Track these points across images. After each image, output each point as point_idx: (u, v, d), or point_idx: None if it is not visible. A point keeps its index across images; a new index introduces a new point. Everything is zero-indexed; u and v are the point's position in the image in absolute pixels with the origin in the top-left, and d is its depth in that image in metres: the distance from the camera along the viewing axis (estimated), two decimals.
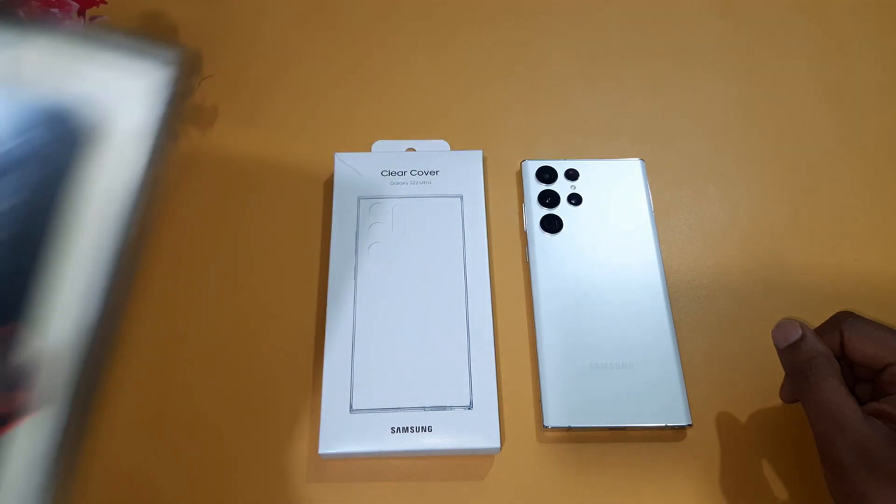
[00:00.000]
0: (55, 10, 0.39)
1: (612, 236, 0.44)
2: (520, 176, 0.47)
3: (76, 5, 0.40)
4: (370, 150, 0.48)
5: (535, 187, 0.46)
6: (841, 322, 0.35)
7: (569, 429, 0.38)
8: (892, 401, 0.32)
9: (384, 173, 0.45)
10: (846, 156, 0.49)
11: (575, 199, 0.45)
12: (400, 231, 0.43)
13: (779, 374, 0.38)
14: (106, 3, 0.43)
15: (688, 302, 0.43)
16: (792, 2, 0.57)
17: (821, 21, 0.56)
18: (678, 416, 0.38)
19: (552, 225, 0.44)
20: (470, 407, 0.38)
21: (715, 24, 0.55)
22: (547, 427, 0.38)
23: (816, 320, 0.37)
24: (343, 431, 0.37)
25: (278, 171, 0.48)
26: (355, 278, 0.41)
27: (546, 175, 0.46)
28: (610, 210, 0.45)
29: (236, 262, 0.45)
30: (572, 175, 0.46)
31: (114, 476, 0.38)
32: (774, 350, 0.41)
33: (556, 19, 0.56)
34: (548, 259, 0.43)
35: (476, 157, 0.46)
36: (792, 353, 0.35)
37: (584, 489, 0.38)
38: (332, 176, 0.45)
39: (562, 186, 0.46)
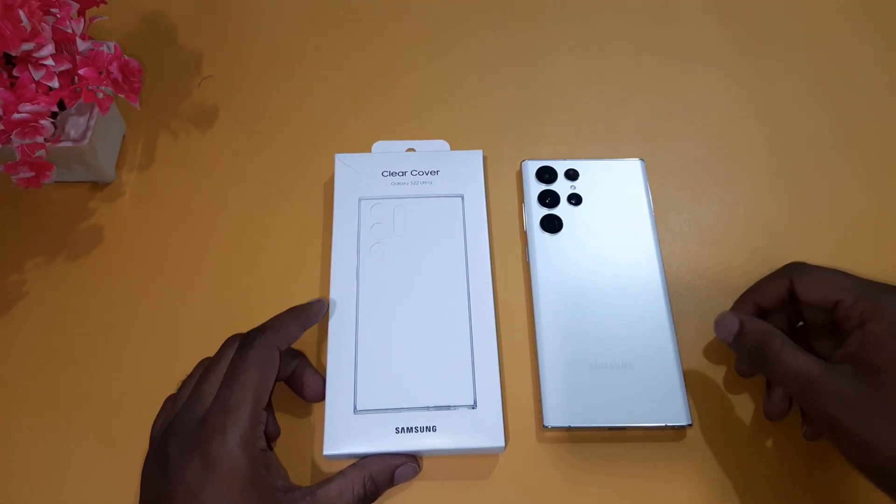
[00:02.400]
0: (55, 10, 0.39)
1: (612, 236, 0.44)
2: (520, 176, 0.47)
3: (76, 5, 0.40)
4: (370, 151, 0.48)
5: (535, 187, 0.46)
6: (791, 269, 0.37)
7: (569, 429, 0.38)
8: (852, 343, 0.33)
9: (385, 174, 0.45)
10: (846, 156, 0.49)
11: (575, 199, 0.45)
12: (401, 231, 0.43)
13: None
14: (106, 3, 0.43)
15: (688, 302, 0.43)
16: (791, 2, 0.57)
17: (820, 21, 0.56)
18: (678, 416, 0.38)
19: (552, 225, 0.44)
20: (474, 406, 0.38)
21: (715, 24, 0.56)
22: (547, 427, 0.38)
23: None
24: (347, 432, 0.37)
25: (278, 172, 0.48)
26: (357, 279, 0.41)
27: (546, 175, 0.46)
28: (610, 210, 0.45)
29: (237, 263, 0.45)
30: (572, 175, 0.46)
31: (113, 477, 0.38)
32: None
33: (557, 19, 0.56)
34: (548, 259, 0.43)
35: (476, 156, 0.46)
36: (741, 341, 0.36)
37: (584, 489, 0.38)
38: (332, 177, 0.45)
39: (562, 186, 0.46)
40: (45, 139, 0.38)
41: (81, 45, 0.40)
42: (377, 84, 0.52)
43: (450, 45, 0.54)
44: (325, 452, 0.36)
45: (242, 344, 0.35)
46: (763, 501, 0.38)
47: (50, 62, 0.38)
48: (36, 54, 0.37)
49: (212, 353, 0.37)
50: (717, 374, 0.41)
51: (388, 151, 0.48)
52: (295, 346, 0.39)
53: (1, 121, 0.37)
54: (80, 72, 0.39)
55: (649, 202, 0.46)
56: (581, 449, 0.39)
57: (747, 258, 0.45)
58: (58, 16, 0.39)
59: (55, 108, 0.38)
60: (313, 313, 0.38)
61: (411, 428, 0.37)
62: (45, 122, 0.38)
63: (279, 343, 0.35)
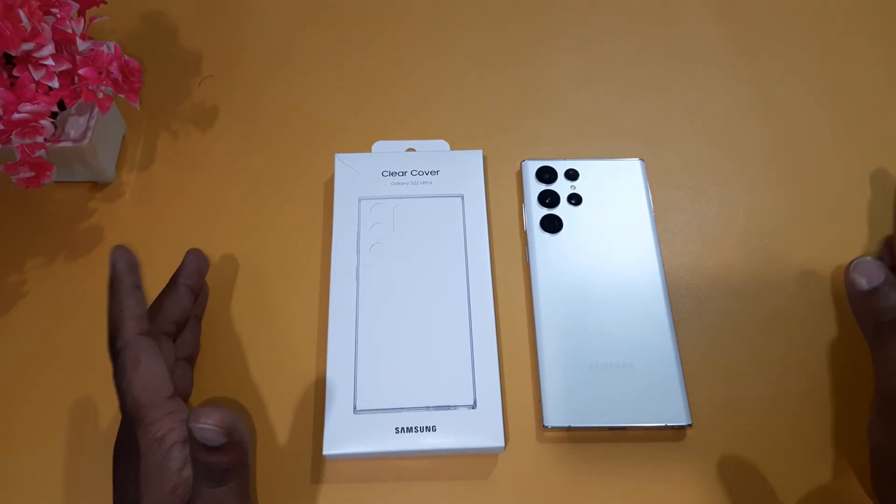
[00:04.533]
0: (55, 10, 0.39)
1: (612, 236, 0.44)
2: (520, 176, 0.47)
3: (76, 5, 0.40)
4: (370, 151, 0.48)
5: (535, 187, 0.46)
6: None
7: (569, 429, 0.38)
8: None
9: (385, 174, 0.45)
10: (846, 155, 0.49)
11: (575, 199, 0.45)
12: (401, 231, 0.43)
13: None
14: (106, 3, 0.43)
15: (688, 302, 0.43)
16: (791, 2, 0.57)
17: (820, 21, 0.56)
18: (678, 416, 0.38)
19: (552, 225, 0.44)
20: (474, 406, 0.38)
21: (715, 24, 0.56)
22: (547, 427, 0.38)
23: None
24: (347, 432, 0.37)
25: (278, 172, 0.48)
26: (357, 279, 0.41)
27: (546, 175, 0.46)
28: (610, 210, 0.45)
29: (237, 263, 0.45)
30: (572, 175, 0.46)
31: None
32: (773, 350, 0.41)
33: (557, 19, 0.56)
34: (548, 259, 0.43)
35: (476, 156, 0.46)
36: (869, 300, 0.33)
37: (584, 489, 0.38)
38: (332, 177, 0.45)
39: (562, 186, 0.46)
40: (45, 139, 0.38)
41: (81, 45, 0.40)
42: (377, 84, 0.52)
43: (450, 45, 0.54)
44: (325, 452, 0.36)
45: (113, 356, 0.33)
46: (763, 502, 0.38)
47: (50, 62, 0.38)
48: (36, 54, 0.37)
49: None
50: (717, 374, 0.41)
51: (388, 151, 0.48)
52: (299, 342, 0.39)
53: (1, 121, 0.37)
54: (80, 72, 0.39)
55: (649, 202, 0.46)
56: (581, 449, 0.39)
57: (747, 258, 0.45)
58: (58, 16, 0.39)
59: (55, 108, 0.38)
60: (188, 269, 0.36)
61: (411, 428, 0.37)
62: (45, 122, 0.38)
63: (141, 329, 0.33)
